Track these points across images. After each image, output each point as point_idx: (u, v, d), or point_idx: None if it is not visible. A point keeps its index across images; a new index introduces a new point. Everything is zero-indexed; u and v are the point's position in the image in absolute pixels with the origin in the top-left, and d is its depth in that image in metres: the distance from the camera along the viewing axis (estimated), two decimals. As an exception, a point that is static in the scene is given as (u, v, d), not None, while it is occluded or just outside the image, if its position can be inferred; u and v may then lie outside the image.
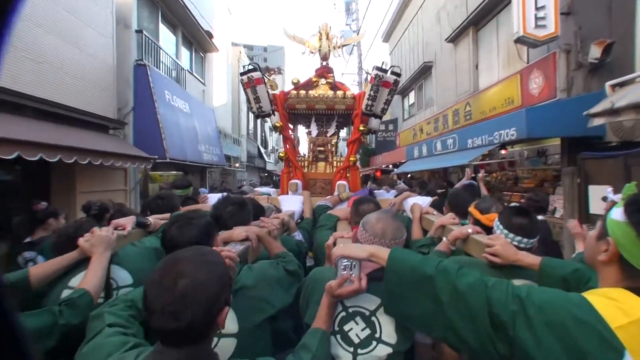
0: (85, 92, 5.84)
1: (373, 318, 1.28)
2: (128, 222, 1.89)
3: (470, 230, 1.75)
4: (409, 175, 12.04)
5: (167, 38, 9.60)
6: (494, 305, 0.91)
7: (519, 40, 5.32)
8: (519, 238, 1.51)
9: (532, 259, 1.43)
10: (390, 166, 14.48)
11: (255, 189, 6.06)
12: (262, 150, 24.14)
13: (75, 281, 1.47)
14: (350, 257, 1.20)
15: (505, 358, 0.89)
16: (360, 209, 2.10)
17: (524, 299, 0.89)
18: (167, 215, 2.23)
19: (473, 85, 8.96)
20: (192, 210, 2.17)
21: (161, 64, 8.65)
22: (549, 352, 0.81)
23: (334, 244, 1.73)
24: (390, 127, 16.59)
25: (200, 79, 11.74)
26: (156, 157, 6.40)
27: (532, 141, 6.54)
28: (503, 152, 7.20)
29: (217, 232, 1.52)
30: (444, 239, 1.88)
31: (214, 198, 2.98)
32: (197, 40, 11.23)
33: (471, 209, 1.97)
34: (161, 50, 8.58)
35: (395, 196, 3.30)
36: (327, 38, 3.98)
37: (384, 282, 1.13)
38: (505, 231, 1.54)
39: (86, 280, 1.42)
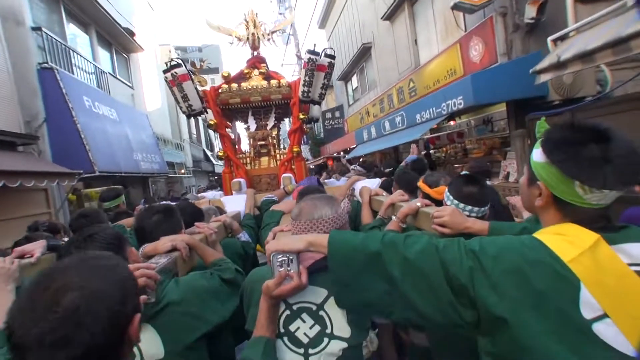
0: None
1: (321, 312, 1.15)
2: (36, 247, 1.63)
3: (419, 204, 1.69)
4: (361, 160, 11.96)
5: (78, 38, 8.45)
6: (449, 267, 0.85)
7: (456, 7, 5.24)
8: (469, 207, 1.50)
9: (481, 225, 1.42)
10: (342, 153, 14.41)
11: (202, 194, 5.83)
12: (209, 153, 22.99)
13: None
14: (285, 251, 1.08)
15: (473, 326, 0.84)
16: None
17: (477, 253, 0.84)
18: None
19: (414, 61, 8.96)
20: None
21: (75, 68, 7.61)
22: (511, 302, 0.77)
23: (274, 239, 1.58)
24: (337, 114, 16.56)
25: (127, 82, 10.65)
26: (81, 171, 5.54)
27: (478, 110, 6.60)
28: (452, 123, 7.22)
29: (130, 245, 1.30)
30: (393, 217, 1.80)
31: None
32: (116, 39, 10.11)
33: (420, 183, 1.93)
34: (72, 52, 7.52)
35: None
36: (255, 25, 3.79)
37: (329, 270, 1.02)
38: (456, 202, 1.52)
39: None
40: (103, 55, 9.52)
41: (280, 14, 20.07)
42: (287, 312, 1.16)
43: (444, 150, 9.72)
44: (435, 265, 0.86)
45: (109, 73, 9.31)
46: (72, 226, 2.43)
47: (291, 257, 1.08)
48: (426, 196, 1.84)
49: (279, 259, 1.08)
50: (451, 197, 1.55)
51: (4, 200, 4.78)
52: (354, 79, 14.89)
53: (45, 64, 6.17)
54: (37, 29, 6.47)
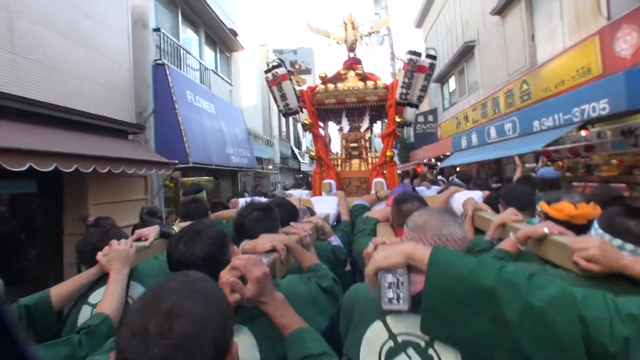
0: (99, 95, 5.43)
1: (430, 351, 0.95)
2: (151, 232, 1.73)
3: (546, 231, 1.37)
4: (457, 169, 10.89)
5: (189, 38, 9.18)
6: (591, 327, 0.71)
7: (602, -11, 4.23)
8: (630, 246, 1.14)
9: None
10: (433, 160, 13.46)
11: (289, 192, 5.89)
12: (296, 151, 23.62)
13: (96, 297, 1.43)
14: (388, 267, 0.94)
15: None
16: (403, 209, 1.82)
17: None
18: None
19: (529, 60, 7.77)
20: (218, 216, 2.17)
21: (183, 64, 8.22)
22: None
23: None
24: (430, 118, 15.63)
25: (227, 79, 11.30)
26: (176, 162, 5.88)
27: (617, 118, 5.34)
28: (583, 133, 5.96)
29: (233, 244, 1.28)
30: (511, 235, 1.53)
31: (241, 202, 2.90)
32: (221, 39, 10.79)
33: (541, 203, 1.66)
34: (182, 50, 8.13)
35: (439, 192, 3.04)
36: (353, 27, 3.80)
37: (424, 289, 0.86)
38: (607, 235, 1.19)
39: (105, 303, 1.33)
40: (208, 53, 10.21)
41: (376, 14, 19.72)
42: (390, 343, 0.99)
43: (559, 165, 8.30)
44: (570, 320, 0.74)
45: (212, 70, 9.94)
46: (184, 209, 2.57)
47: (401, 280, 0.93)
48: (546, 216, 1.58)
49: (388, 280, 0.93)
50: (600, 230, 1.23)
51: (101, 185, 5.23)
52: (452, 80, 13.86)
53: (159, 61, 6.74)
54: (156, 29, 7.12)
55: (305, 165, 25.99)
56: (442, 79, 14.38)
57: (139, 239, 1.65)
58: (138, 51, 6.43)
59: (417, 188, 4.38)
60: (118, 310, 1.33)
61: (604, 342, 0.70)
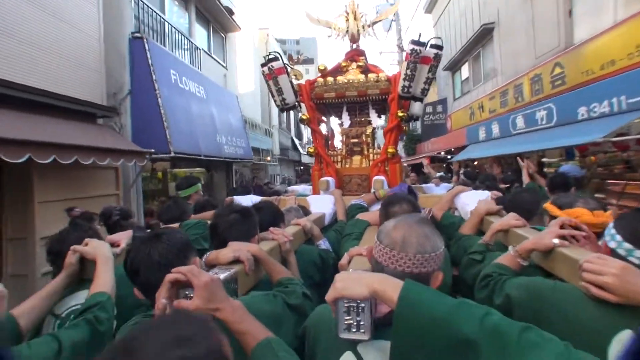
0: (61, 70, 4.50)
1: None
2: (123, 237, 1.64)
3: (556, 242, 1.18)
4: (475, 163, 9.98)
5: (176, 13, 8.17)
6: None
7: None
8: None
9: None
10: (443, 153, 12.61)
11: (292, 188, 5.43)
12: (297, 142, 22.67)
13: (61, 307, 1.35)
14: (348, 297, 0.83)
15: None
16: (390, 212, 1.67)
17: None
18: (177, 224, 2.11)
19: (564, 39, 6.80)
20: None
21: (169, 41, 7.27)
22: None
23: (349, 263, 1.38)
24: (439, 108, 14.81)
25: (221, 62, 10.33)
26: (152, 150, 4.94)
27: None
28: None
29: (196, 255, 1.20)
30: (510, 249, 1.37)
31: (241, 200, 2.81)
32: (214, 17, 9.79)
33: (548, 205, 1.59)
34: (168, 25, 7.17)
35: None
36: (355, 17, 3.61)
37: (392, 332, 0.77)
38: (629, 246, 0.98)
39: (100, 283, 1.28)
40: (200, 32, 9.23)
41: (386, -2, 18.70)
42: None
43: (591, 160, 7.40)
44: None
45: (204, 50, 8.96)
46: (163, 213, 2.52)
47: (362, 305, 0.83)
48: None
49: (346, 305, 0.84)
50: (618, 237, 1.01)
51: (63, 176, 4.30)
52: (465, 68, 12.98)
53: (137, 33, 5.75)
54: (135, -4, 6.10)
55: (307, 157, 25.10)
56: (454, 67, 13.52)
57: (111, 245, 1.53)
58: (111, 21, 5.47)
59: (425, 185, 4.17)
60: (113, 291, 1.30)
61: None
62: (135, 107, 5.58)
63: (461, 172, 7.11)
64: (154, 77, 5.55)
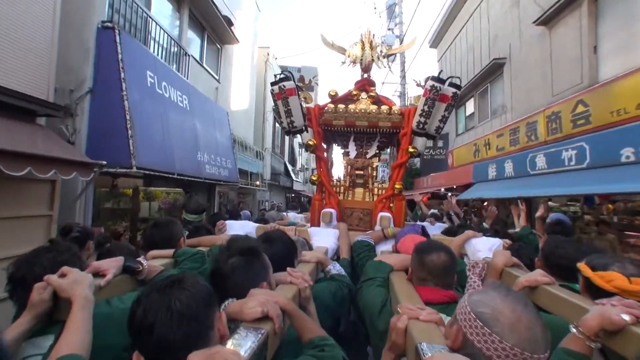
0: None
1: None
2: (111, 265, 1.33)
3: (627, 319, 0.99)
4: (485, 204, 9.24)
5: (164, 12, 7.40)
6: None
7: None
8: None
9: None
10: (443, 190, 11.89)
11: (282, 214, 5.10)
12: (290, 167, 21.81)
13: (14, 356, 0.99)
14: None
15: None
16: (427, 261, 1.52)
17: None
18: (170, 252, 1.78)
19: (588, 76, 6.20)
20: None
21: (152, 42, 6.50)
22: None
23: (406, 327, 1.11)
24: (440, 143, 14.18)
25: (214, 74, 9.59)
26: (103, 162, 3.95)
27: None
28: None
29: (219, 310, 0.96)
30: (571, 328, 1.10)
31: (234, 227, 2.73)
32: (211, 25, 9.15)
33: (582, 265, 1.40)
34: (151, 21, 6.36)
35: (443, 232, 2.99)
36: (371, 47, 3.55)
37: None
38: None
39: (70, 340, 0.93)
40: (192, 38, 8.51)
41: (389, 29, 18.60)
42: None
43: (609, 208, 6.70)
44: None
45: (194, 58, 8.20)
46: (147, 236, 2.11)
47: None
48: (587, 282, 1.32)
49: None
50: None
51: None
52: (470, 103, 12.56)
53: (108, 23, 4.93)
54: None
55: (299, 184, 24.15)
56: (459, 102, 13.01)
57: (96, 274, 1.27)
58: (77, 3, 4.66)
59: (420, 224, 4.05)
60: (88, 352, 0.96)
61: None
62: (95, 109, 4.67)
63: (429, 212, 6.35)
64: (122, 75, 4.68)
